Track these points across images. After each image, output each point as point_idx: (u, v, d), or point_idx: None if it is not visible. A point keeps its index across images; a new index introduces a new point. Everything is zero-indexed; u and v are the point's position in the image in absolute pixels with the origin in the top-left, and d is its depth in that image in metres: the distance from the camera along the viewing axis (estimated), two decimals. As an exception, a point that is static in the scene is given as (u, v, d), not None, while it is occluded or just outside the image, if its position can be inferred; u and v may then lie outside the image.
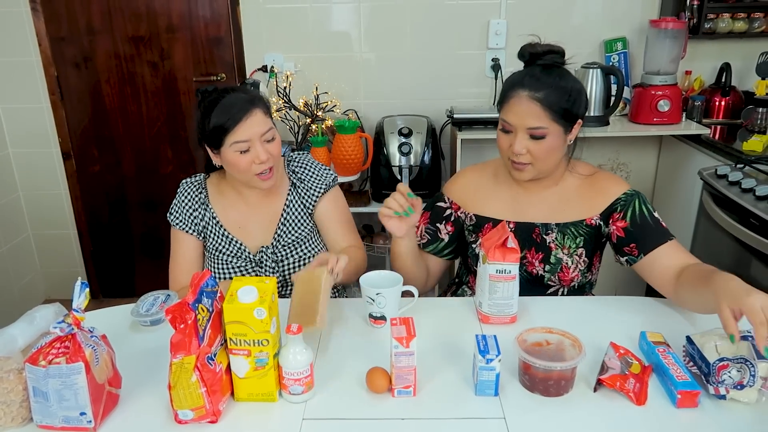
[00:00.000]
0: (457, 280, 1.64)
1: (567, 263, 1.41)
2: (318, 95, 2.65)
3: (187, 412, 0.98)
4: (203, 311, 0.98)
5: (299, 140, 2.62)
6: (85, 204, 3.04)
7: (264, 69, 2.76)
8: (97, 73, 2.82)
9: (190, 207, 1.52)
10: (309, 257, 1.54)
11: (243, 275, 1.52)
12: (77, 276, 1.01)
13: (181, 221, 1.52)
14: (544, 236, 1.42)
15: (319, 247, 1.57)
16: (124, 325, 1.31)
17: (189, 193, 1.54)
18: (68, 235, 3.09)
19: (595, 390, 1.05)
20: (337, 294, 1.67)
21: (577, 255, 1.41)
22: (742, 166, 2.06)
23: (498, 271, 1.23)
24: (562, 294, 1.46)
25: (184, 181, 1.56)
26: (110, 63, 2.80)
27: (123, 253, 3.15)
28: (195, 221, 1.52)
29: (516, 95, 1.31)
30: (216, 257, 1.52)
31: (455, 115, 2.54)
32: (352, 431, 0.99)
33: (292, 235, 1.53)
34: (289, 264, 1.53)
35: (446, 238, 1.52)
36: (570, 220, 1.41)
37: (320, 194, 1.55)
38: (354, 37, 2.74)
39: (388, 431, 0.99)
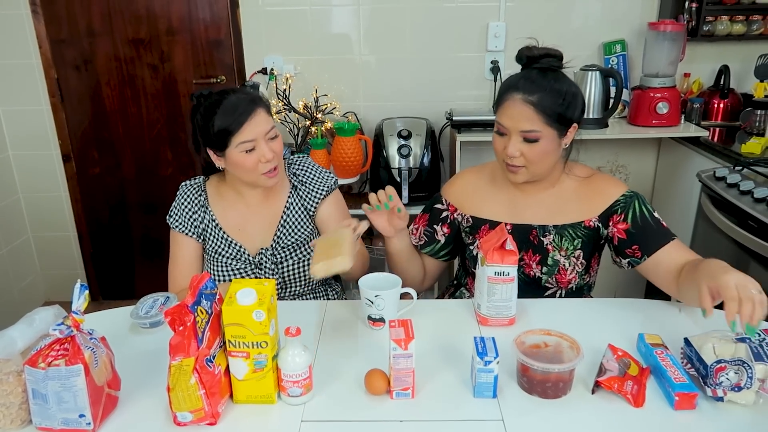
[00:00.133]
0: (456, 282, 1.64)
1: (564, 265, 1.42)
2: (317, 97, 2.66)
3: (186, 414, 0.99)
4: (202, 313, 0.98)
5: (299, 142, 2.63)
6: (85, 206, 3.05)
7: (264, 71, 2.77)
8: (98, 75, 2.83)
9: (189, 210, 1.53)
10: (308, 259, 1.55)
11: (242, 277, 1.52)
12: (77, 278, 1.02)
13: (180, 224, 1.52)
14: (542, 238, 1.42)
15: (318, 249, 1.57)
16: (123, 327, 1.31)
17: (188, 196, 1.54)
18: (68, 237, 3.10)
19: (593, 392, 1.06)
20: (336, 296, 1.67)
21: (574, 257, 1.41)
22: (740, 168, 2.06)
23: (496, 273, 1.23)
24: (560, 296, 1.46)
25: (183, 183, 1.57)
26: (110, 65, 2.81)
27: (123, 255, 3.15)
28: (194, 224, 1.53)
29: (510, 98, 1.32)
30: (215, 259, 1.52)
31: (454, 118, 2.54)
32: (350, 433, 0.99)
33: (292, 237, 1.54)
34: (288, 266, 1.53)
35: (442, 240, 1.53)
36: (568, 222, 1.42)
37: (322, 197, 1.56)
38: (353, 39, 2.75)
39: (386, 433, 0.99)
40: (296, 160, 1.60)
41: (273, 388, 1.04)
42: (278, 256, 1.53)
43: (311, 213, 1.56)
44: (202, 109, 1.41)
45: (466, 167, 1.62)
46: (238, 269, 1.52)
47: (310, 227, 1.57)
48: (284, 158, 1.57)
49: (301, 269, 1.55)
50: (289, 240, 1.54)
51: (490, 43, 2.71)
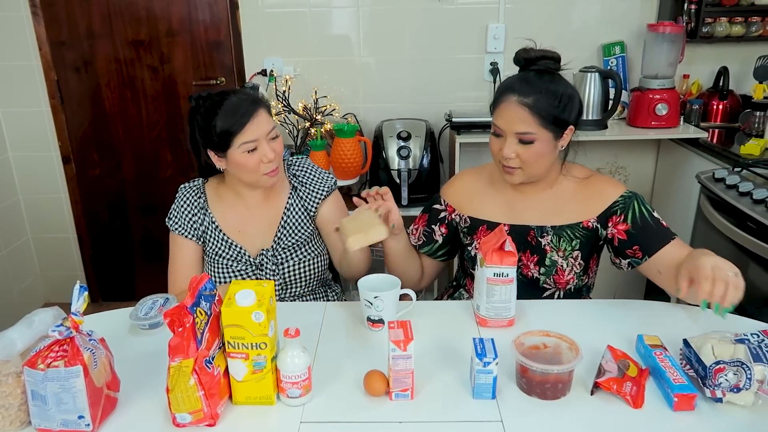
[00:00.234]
0: (455, 284, 1.65)
1: (562, 266, 1.42)
2: (317, 99, 2.66)
3: (185, 416, 0.99)
4: (201, 315, 0.98)
5: (298, 144, 2.63)
6: (84, 208, 3.05)
7: (263, 73, 2.77)
8: (97, 77, 2.83)
9: (189, 212, 1.53)
10: (309, 260, 1.55)
11: (243, 279, 1.52)
12: (76, 280, 1.02)
13: (180, 226, 1.53)
14: (539, 239, 1.42)
15: (319, 250, 1.58)
16: (122, 329, 1.31)
17: (188, 198, 1.54)
18: (68, 238, 3.10)
19: (592, 393, 1.06)
20: (335, 297, 1.68)
21: (572, 258, 1.42)
22: (739, 169, 2.06)
23: (495, 275, 1.23)
24: (559, 297, 1.46)
25: (182, 186, 1.57)
26: (110, 67, 2.81)
27: (122, 256, 3.15)
28: (194, 226, 1.53)
29: (506, 100, 1.32)
30: (216, 261, 1.53)
31: (454, 119, 2.55)
32: (349, 434, 1.00)
33: (293, 237, 1.54)
34: (289, 267, 1.54)
35: (440, 240, 1.54)
36: (566, 223, 1.42)
37: (322, 198, 1.56)
38: (353, 41, 2.75)
39: (385, 434, 0.99)
40: (296, 161, 1.61)
41: (272, 389, 1.04)
42: (279, 257, 1.53)
43: (312, 214, 1.57)
44: (203, 110, 1.41)
45: (465, 169, 1.62)
46: (239, 270, 1.52)
47: (311, 228, 1.57)
48: (283, 159, 1.58)
49: (302, 270, 1.55)
50: (289, 241, 1.54)
51: (490, 45, 2.72)
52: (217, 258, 1.52)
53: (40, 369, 0.94)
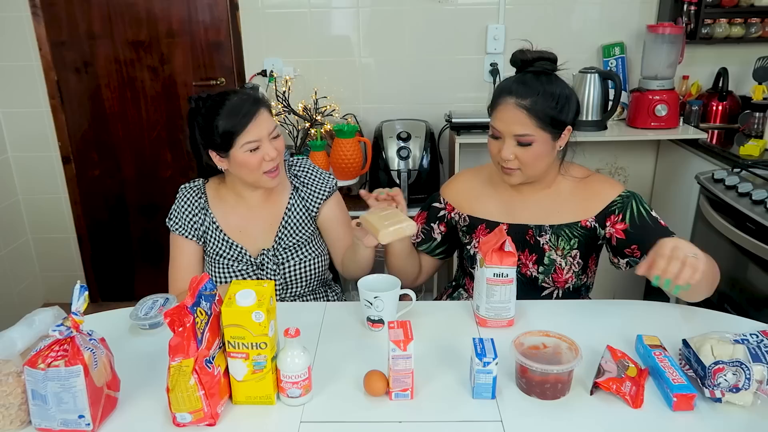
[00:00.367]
0: (454, 284, 1.65)
1: (561, 264, 1.42)
2: (317, 99, 2.66)
3: (186, 415, 0.99)
4: (202, 314, 0.98)
5: (298, 144, 2.63)
6: (84, 208, 3.05)
7: (263, 73, 2.77)
8: (98, 77, 2.83)
9: (189, 212, 1.53)
10: (310, 260, 1.55)
11: (244, 279, 1.52)
12: (76, 280, 1.02)
13: (180, 227, 1.53)
14: (538, 238, 1.43)
15: (319, 250, 1.58)
16: (122, 329, 1.31)
17: (188, 199, 1.54)
18: (68, 239, 3.10)
19: (591, 393, 1.06)
20: (335, 297, 1.68)
21: (570, 256, 1.42)
22: (738, 170, 2.07)
23: (495, 275, 1.23)
24: (557, 296, 1.46)
25: (183, 186, 1.57)
26: (110, 67, 2.82)
27: (122, 257, 3.15)
28: (194, 226, 1.53)
29: (504, 102, 1.33)
30: (216, 261, 1.53)
31: (454, 120, 2.55)
32: (349, 434, 1.00)
33: (293, 238, 1.54)
34: (290, 267, 1.54)
35: (438, 238, 1.55)
36: (564, 222, 1.42)
37: (324, 199, 1.57)
38: (353, 41, 2.75)
39: (385, 434, 0.99)
40: (297, 162, 1.61)
41: (272, 389, 1.05)
42: (280, 257, 1.53)
43: (313, 214, 1.57)
44: (203, 110, 1.41)
45: (464, 169, 1.63)
46: (239, 270, 1.52)
47: (312, 228, 1.58)
48: (284, 160, 1.58)
49: (303, 270, 1.55)
50: (290, 241, 1.54)
51: (490, 46, 2.72)
52: (217, 258, 1.53)
53: (40, 368, 0.94)
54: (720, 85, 2.66)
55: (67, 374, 0.94)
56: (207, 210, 1.54)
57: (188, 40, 2.78)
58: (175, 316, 0.95)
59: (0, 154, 2.89)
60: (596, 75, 2.48)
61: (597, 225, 1.42)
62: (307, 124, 2.60)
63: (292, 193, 1.57)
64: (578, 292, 1.49)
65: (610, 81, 2.49)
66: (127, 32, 2.76)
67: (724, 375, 1.00)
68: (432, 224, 1.54)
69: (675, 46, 2.50)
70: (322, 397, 1.07)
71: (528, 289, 1.44)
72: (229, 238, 1.53)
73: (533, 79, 1.33)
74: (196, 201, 1.54)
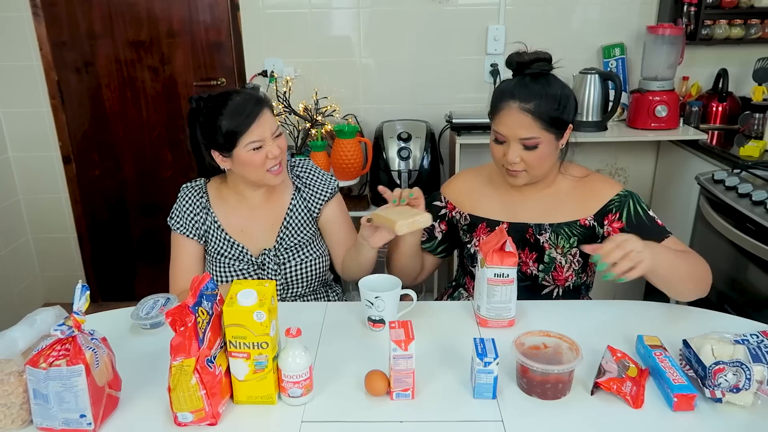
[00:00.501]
0: (454, 283, 1.65)
1: (561, 262, 1.43)
2: (317, 100, 2.66)
3: (187, 415, 0.99)
4: (203, 314, 0.98)
5: (299, 145, 2.63)
6: (85, 208, 3.05)
7: (264, 74, 2.78)
8: (98, 77, 2.83)
9: (191, 212, 1.53)
10: (311, 260, 1.55)
11: (245, 278, 1.53)
12: (77, 280, 1.02)
13: (181, 226, 1.53)
14: (538, 236, 1.44)
15: (320, 251, 1.58)
16: (124, 328, 1.31)
17: (190, 198, 1.55)
18: (68, 238, 3.10)
19: (592, 393, 1.06)
20: (336, 298, 1.68)
21: (570, 254, 1.43)
22: (738, 171, 2.07)
23: (496, 275, 1.23)
24: (558, 294, 1.47)
25: (184, 185, 1.57)
26: (111, 67, 2.82)
27: (123, 257, 3.15)
28: (196, 226, 1.53)
29: (507, 107, 1.33)
30: (218, 261, 1.53)
31: (454, 120, 2.55)
32: (350, 434, 1.00)
33: (295, 238, 1.55)
34: (291, 267, 1.54)
35: (439, 236, 1.56)
36: (563, 221, 1.43)
37: (326, 200, 1.57)
38: (354, 42, 2.76)
39: (386, 434, 0.99)
40: (298, 163, 1.61)
41: (273, 388, 1.05)
42: (281, 257, 1.53)
43: (315, 215, 1.57)
44: (206, 110, 1.42)
45: (465, 169, 1.63)
46: (240, 270, 1.53)
47: (313, 229, 1.58)
48: (287, 160, 1.58)
49: (304, 270, 1.55)
50: (292, 241, 1.54)
51: (490, 46, 2.72)
52: (218, 257, 1.53)
53: (42, 368, 0.94)
54: (720, 86, 2.66)
55: (68, 374, 0.94)
56: (208, 209, 1.54)
57: (189, 40, 2.78)
58: (177, 316, 0.95)
59: (0, 153, 2.89)
60: (596, 76, 2.48)
61: (596, 224, 1.42)
62: (308, 125, 2.61)
63: (294, 194, 1.57)
64: (578, 290, 1.49)
65: (610, 82, 2.49)
66: (128, 32, 2.76)
67: (725, 375, 1.01)
68: (433, 223, 1.55)
69: (675, 47, 2.51)
70: (323, 397, 1.08)
71: (528, 287, 1.45)
72: (230, 237, 1.53)
73: (533, 81, 1.33)
74: (197, 200, 1.54)
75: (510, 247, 1.24)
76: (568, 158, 1.46)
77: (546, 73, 1.36)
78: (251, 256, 1.53)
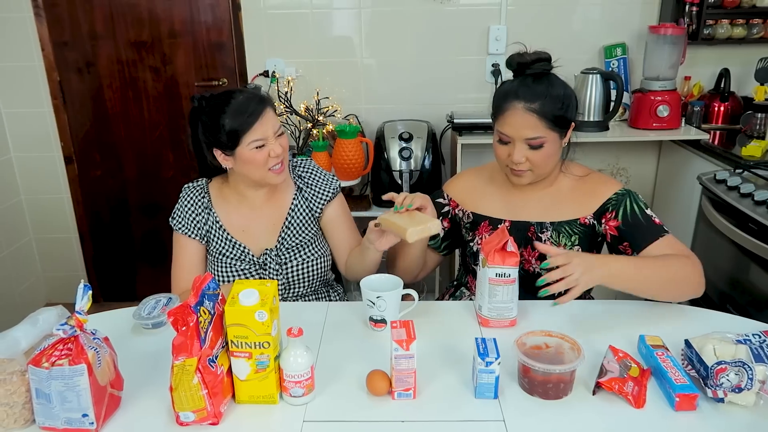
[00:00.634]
0: (456, 283, 1.66)
1: None
2: (319, 100, 2.66)
3: (189, 414, 0.99)
4: (205, 314, 0.98)
5: (300, 145, 2.63)
6: (86, 208, 3.05)
7: (265, 74, 2.78)
8: (100, 77, 2.84)
9: (192, 212, 1.53)
10: (312, 260, 1.56)
11: (247, 278, 1.53)
12: (79, 280, 1.02)
13: (183, 226, 1.53)
14: (539, 234, 1.45)
15: (322, 251, 1.58)
16: (126, 328, 1.31)
17: (191, 198, 1.55)
18: (69, 239, 3.10)
19: (593, 393, 1.06)
20: (338, 297, 1.68)
21: None
22: (740, 171, 2.07)
23: (497, 275, 1.23)
24: (560, 292, 1.46)
25: (186, 185, 1.57)
26: (112, 68, 2.82)
27: (124, 257, 3.15)
28: (198, 226, 1.53)
29: (511, 107, 1.34)
30: (219, 260, 1.53)
31: (455, 120, 2.55)
32: (352, 433, 1.00)
33: (296, 238, 1.55)
34: (292, 267, 1.54)
35: (443, 234, 1.56)
36: (564, 219, 1.44)
37: (327, 200, 1.57)
38: (355, 42, 2.76)
39: (388, 434, 0.99)
40: (300, 163, 1.62)
41: (275, 388, 1.05)
42: (283, 257, 1.53)
43: (316, 215, 1.58)
44: (208, 109, 1.42)
45: (467, 168, 1.64)
46: (242, 270, 1.53)
47: (315, 229, 1.58)
48: (288, 160, 1.58)
49: (305, 270, 1.55)
50: (293, 241, 1.54)
51: (491, 47, 2.72)
52: (220, 257, 1.53)
53: (44, 367, 0.94)
54: (722, 85, 2.66)
55: (71, 373, 0.94)
56: (210, 209, 1.54)
57: (190, 40, 2.78)
58: (179, 316, 0.95)
59: (2, 154, 2.90)
60: (598, 76, 2.48)
61: (595, 222, 1.43)
62: (309, 125, 2.61)
63: (295, 194, 1.57)
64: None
65: (611, 82, 2.49)
66: (129, 33, 2.77)
67: (727, 375, 1.00)
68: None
69: (677, 46, 2.50)
70: (324, 397, 1.08)
71: (531, 285, 1.45)
72: (232, 237, 1.53)
73: (536, 81, 1.34)
74: (199, 200, 1.54)
75: (511, 246, 1.24)
76: (569, 157, 1.47)
77: (547, 72, 1.37)
78: (253, 255, 1.53)
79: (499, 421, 1.01)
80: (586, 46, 2.74)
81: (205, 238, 1.54)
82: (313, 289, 1.60)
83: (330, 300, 1.64)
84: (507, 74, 2.70)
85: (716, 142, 2.48)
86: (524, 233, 1.45)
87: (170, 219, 1.55)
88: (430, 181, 2.53)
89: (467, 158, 2.66)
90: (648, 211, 1.39)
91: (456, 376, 1.12)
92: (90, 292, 0.98)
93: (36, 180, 2.99)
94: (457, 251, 1.69)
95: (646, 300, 1.41)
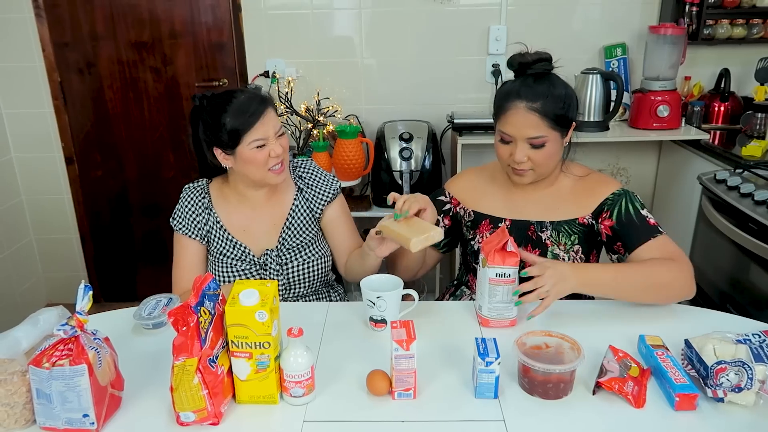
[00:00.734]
0: (456, 282, 1.66)
1: (564, 259, 1.44)
2: (319, 100, 2.67)
3: (189, 414, 0.99)
4: (205, 314, 0.99)
5: (300, 145, 2.64)
6: (87, 208, 3.06)
7: (266, 74, 2.78)
8: (100, 78, 2.84)
9: (193, 212, 1.54)
10: (313, 261, 1.56)
11: (247, 278, 1.53)
12: (79, 280, 1.02)
13: (184, 226, 1.53)
14: (539, 233, 1.45)
15: (322, 251, 1.58)
16: (126, 328, 1.32)
17: (192, 198, 1.55)
18: (70, 239, 3.10)
19: (594, 393, 1.06)
20: (338, 298, 1.68)
21: (573, 251, 1.44)
22: (741, 171, 2.07)
23: (498, 275, 1.24)
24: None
25: (186, 186, 1.58)
26: (113, 68, 2.82)
27: (125, 257, 3.16)
28: (198, 226, 1.53)
29: (514, 107, 1.34)
30: (220, 261, 1.53)
31: (456, 120, 2.55)
32: (352, 433, 1.00)
33: (297, 238, 1.55)
34: (293, 267, 1.54)
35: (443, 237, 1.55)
36: (563, 219, 1.45)
37: (328, 201, 1.57)
38: (355, 42, 2.76)
39: (388, 433, 1.00)
40: (301, 164, 1.62)
41: (275, 388, 1.05)
42: (283, 258, 1.54)
43: (317, 216, 1.58)
44: (209, 108, 1.42)
45: (469, 167, 1.64)
46: (242, 270, 1.53)
47: (315, 229, 1.58)
48: (289, 160, 1.58)
49: (306, 270, 1.55)
50: (294, 241, 1.55)
51: (491, 47, 2.72)
52: (221, 257, 1.53)
53: (45, 368, 0.95)
54: (722, 85, 2.66)
55: (71, 373, 0.94)
56: (211, 209, 1.54)
57: (191, 41, 2.78)
58: (179, 316, 0.96)
59: (3, 154, 2.90)
60: (598, 76, 2.48)
61: (594, 222, 1.44)
62: (310, 125, 2.61)
63: (296, 194, 1.58)
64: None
65: (612, 82, 2.49)
66: (130, 33, 2.77)
67: (727, 375, 1.00)
68: (438, 217, 1.56)
69: (677, 46, 2.51)
70: (325, 397, 1.08)
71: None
72: (232, 237, 1.53)
73: (537, 81, 1.35)
74: (199, 201, 1.55)
75: (511, 246, 1.24)
76: (569, 158, 1.48)
77: (548, 72, 1.38)
78: (253, 256, 1.53)
79: (499, 421, 1.01)
80: (586, 46, 2.74)
81: (206, 239, 1.55)
82: (313, 289, 1.60)
83: (330, 300, 1.65)
84: (507, 74, 2.72)
85: (716, 142, 2.48)
86: (524, 232, 1.46)
87: (171, 219, 1.56)
88: (430, 182, 2.54)
89: (467, 158, 2.66)
90: (643, 212, 1.39)
91: (456, 376, 1.12)
92: (90, 292, 0.98)
93: (37, 180, 2.99)
94: (457, 250, 1.69)
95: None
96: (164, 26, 2.76)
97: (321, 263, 1.58)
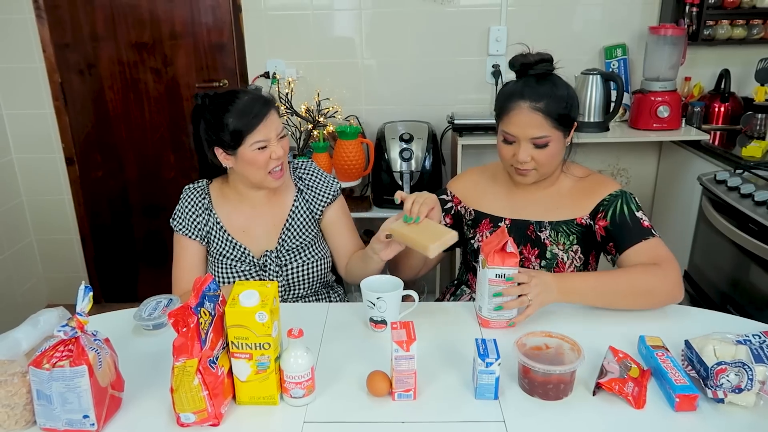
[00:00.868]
0: (457, 282, 1.66)
1: (563, 259, 1.44)
2: (320, 101, 2.67)
3: (189, 415, 0.99)
4: (205, 315, 0.99)
5: (301, 146, 2.64)
6: (87, 209, 3.06)
7: (266, 75, 2.78)
8: (101, 79, 2.84)
9: (193, 213, 1.54)
10: (313, 262, 1.56)
11: (247, 279, 1.53)
12: (80, 281, 1.02)
13: (184, 227, 1.53)
14: (539, 233, 1.46)
15: (322, 252, 1.58)
16: (126, 329, 1.32)
17: (192, 199, 1.55)
18: (71, 240, 3.11)
19: (594, 394, 1.06)
20: (338, 298, 1.68)
21: (572, 251, 1.45)
22: (741, 171, 2.07)
23: (497, 276, 1.24)
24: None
25: (186, 186, 1.58)
26: (114, 69, 2.83)
27: (125, 258, 3.16)
28: (198, 227, 1.54)
29: (517, 107, 1.35)
30: (220, 261, 1.53)
31: (456, 121, 2.55)
32: (352, 434, 1.00)
33: (297, 240, 1.55)
34: (293, 268, 1.54)
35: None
36: (562, 219, 1.45)
37: (328, 202, 1.57)
38: (356, 43, 2.76)
39: (388, 434, 1.00)
40: (301, 165, 1.62)
41: (275, 389, 1.05)
42: (283, 259, 1.54)
43: (317, 217, 1.58)
44: (212, 107, 1.42)
45: (470, 167, 1.65)
46: (242, 271, 1.53)
47: (315, 231, 1.58)
48: (288, 162, 1.59)
49: (306, 272, 1.55)
50: (293, 243, 1.55)
51: (492, 47, 2.72)
52: (221, 258, 1.53)
53: (45, 369, 0.95)
54: (722, 86, 2.66)
55: (71, 374, 0.94)
56: (211, 210, 1.55)
57: (191, 41, 2.79)
58: (179, 317, 0.96)
59: (4, 155, 2.90)
60: (598, 76, 2.48)
61: (591, 222, 1.44)
62: (310, 126, 2.61)
63: (296, 196, 1.58)
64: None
65: (612, 82, 2.49)
66: (131, 34, 2.77)
67: (727, 375, 1.00)
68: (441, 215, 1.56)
69: (677, 47, 2.51)
70: (325, 398, 1.08)
71: None
72: (232, 238, 1.53)
73: (540, 82, 1.36)
74: (199, 201, 1.55)
75: (511, 247, 1.24)
76: (570, 158, 1.48)
77: (550, 73, 1.39)
78: (253, 257, 1.53)
79: (499, 421, 1.01)
80: (587, 47, 2.74)
81: (206, 239, 1.55)
82: (313, 290, 1.60)
83: (330, 301, 1.65)
84: (507, 75, 2.72)
85: (716, 143, 2.48)
86: (524, 231, 1.46)
87: (171, 220, 1.56)
88: (430, 182, 2.54)
89: (468, 159, 2.66)
90: (638, 214, 1.40)
91: (456, 377, 1.12)
92: (91, 293, 0.99)
93: (37, 181, 3.00)
94: (458, 249, 1.69)
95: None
96: (164, 27, 2.76)
97: (321, 264, 1.58)
